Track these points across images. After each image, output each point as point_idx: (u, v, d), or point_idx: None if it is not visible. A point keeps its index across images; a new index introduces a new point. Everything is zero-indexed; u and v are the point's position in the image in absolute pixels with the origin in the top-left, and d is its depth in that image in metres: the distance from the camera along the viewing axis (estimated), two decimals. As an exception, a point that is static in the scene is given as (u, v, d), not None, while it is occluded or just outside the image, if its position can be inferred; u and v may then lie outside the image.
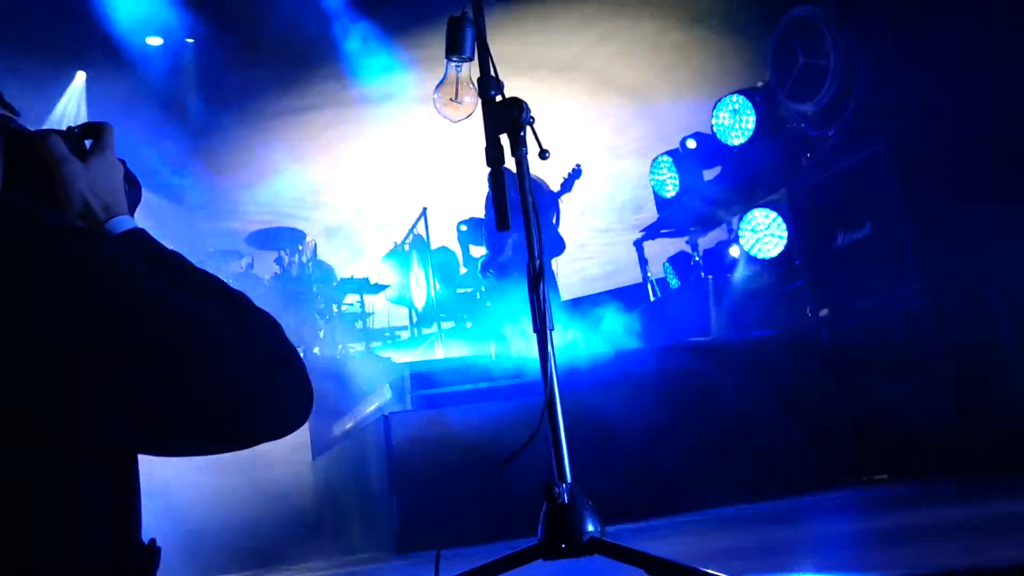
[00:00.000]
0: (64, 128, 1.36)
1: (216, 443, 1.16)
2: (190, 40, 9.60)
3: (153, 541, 1.19)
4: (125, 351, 1.04)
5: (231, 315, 1.17)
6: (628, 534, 3.99)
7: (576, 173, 7.00)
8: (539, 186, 6.87)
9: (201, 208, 9.69)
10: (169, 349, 1.07)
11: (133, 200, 1.41)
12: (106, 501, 1.12)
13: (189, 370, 1.07)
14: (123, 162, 1.39)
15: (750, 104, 6.41)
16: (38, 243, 1.04)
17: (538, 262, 2.33)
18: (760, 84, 6.45)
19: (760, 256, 6.28)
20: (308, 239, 8.83)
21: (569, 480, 2.24)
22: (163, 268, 1.23)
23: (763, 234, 6.24)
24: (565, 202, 7.33)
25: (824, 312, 5.35)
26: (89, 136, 1.37)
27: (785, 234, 6.06)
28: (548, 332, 2.31)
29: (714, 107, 6.64)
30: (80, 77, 9.67)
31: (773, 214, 6.16)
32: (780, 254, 6.14)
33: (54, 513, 1.05)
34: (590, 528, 2.16)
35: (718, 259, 7.12)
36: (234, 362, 1.11)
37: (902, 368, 4.76)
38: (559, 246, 7.04)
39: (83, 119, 3.31)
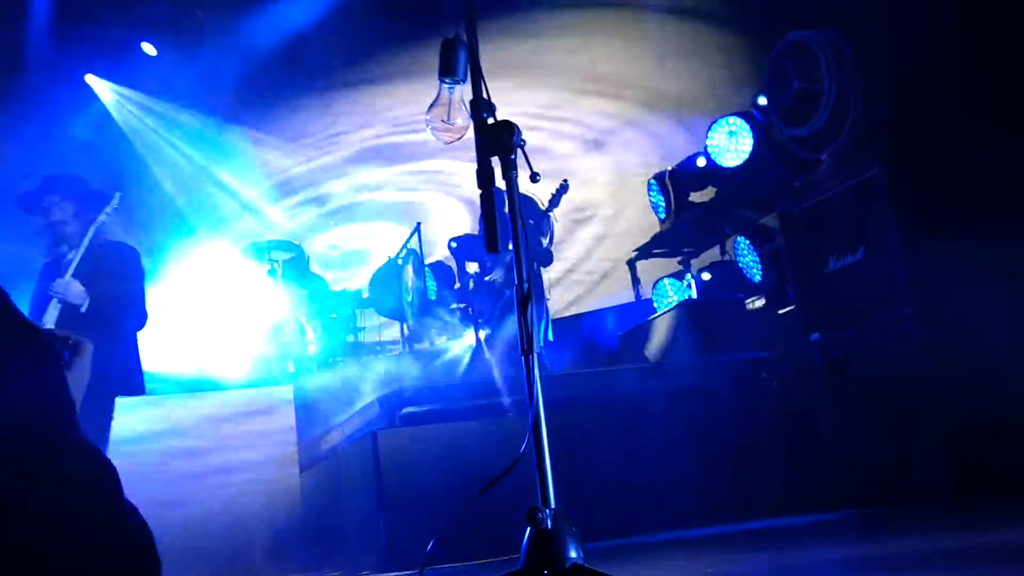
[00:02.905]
0: None
1: None
2: None
3: None
4: None
5: None
6: (608, 558, 3.96)
7: (563, 189, 7.14)
8: (530, 202, 6.93)
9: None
10: None
11: None
12: None
13: None
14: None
15: (748, 126, 6.40)
16: None
17: (526, 285, 2.33)
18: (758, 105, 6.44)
19: (751, 278, 6.36)
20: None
21: (553, 505, 2.23)
22: None
23: (748, 258, 6.39)
24: (559, 219, 7.38)
25: (815, 336, 5.35)
26: None
27: (758, 260, 6.22)
28: (534, 354, 2.31)
29: (709, 128, 6.64)
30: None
31: (746, 242, 6.34)
32: (766, 279, 6.23)
33: None
34: (572, 554, 2.15)
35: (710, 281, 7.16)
36: None
37: (893, 393, 4.75)
38: (547, 261, 7.13)
39: None
